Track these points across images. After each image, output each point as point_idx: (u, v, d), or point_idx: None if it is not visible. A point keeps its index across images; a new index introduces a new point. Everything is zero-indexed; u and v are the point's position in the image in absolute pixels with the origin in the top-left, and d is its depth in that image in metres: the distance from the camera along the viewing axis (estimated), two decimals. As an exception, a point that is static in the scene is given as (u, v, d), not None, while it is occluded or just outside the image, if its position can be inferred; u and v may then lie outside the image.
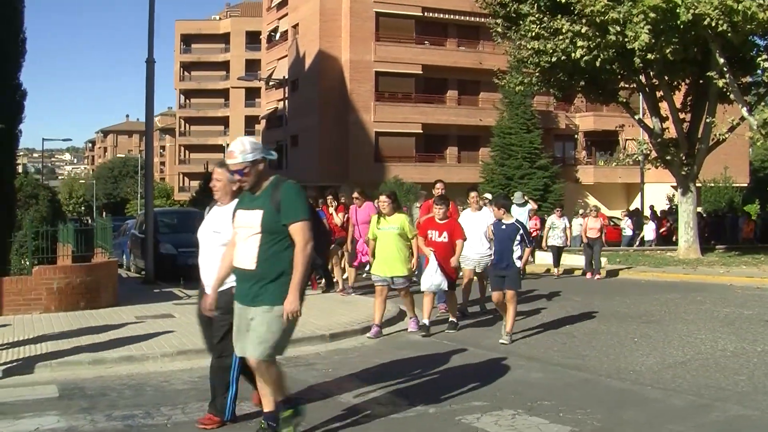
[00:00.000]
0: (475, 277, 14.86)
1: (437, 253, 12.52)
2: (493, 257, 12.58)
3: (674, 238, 34.91)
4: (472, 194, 15.04)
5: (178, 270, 20.57)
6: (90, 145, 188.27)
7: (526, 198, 23.34)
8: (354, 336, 12.39)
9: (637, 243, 35.92)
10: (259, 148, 6.57)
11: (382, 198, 13.04)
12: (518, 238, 11.83)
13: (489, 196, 21.95)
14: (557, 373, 9.64)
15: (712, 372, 9.49)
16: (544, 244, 23.99)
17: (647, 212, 40.37)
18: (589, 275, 22.95)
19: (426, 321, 12.59)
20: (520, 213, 21.14)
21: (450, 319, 13.18)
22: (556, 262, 23.68)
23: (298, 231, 6.44)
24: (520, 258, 11.84)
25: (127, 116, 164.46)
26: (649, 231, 36.79)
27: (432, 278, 12.46)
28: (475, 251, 14.19)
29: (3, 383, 9.30)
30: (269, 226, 6.47)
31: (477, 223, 14.31)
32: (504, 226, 11.93)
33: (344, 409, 8.02)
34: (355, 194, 17.33)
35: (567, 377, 9.43)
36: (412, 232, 12.76)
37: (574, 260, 25.23)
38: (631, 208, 47.31)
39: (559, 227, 23.53)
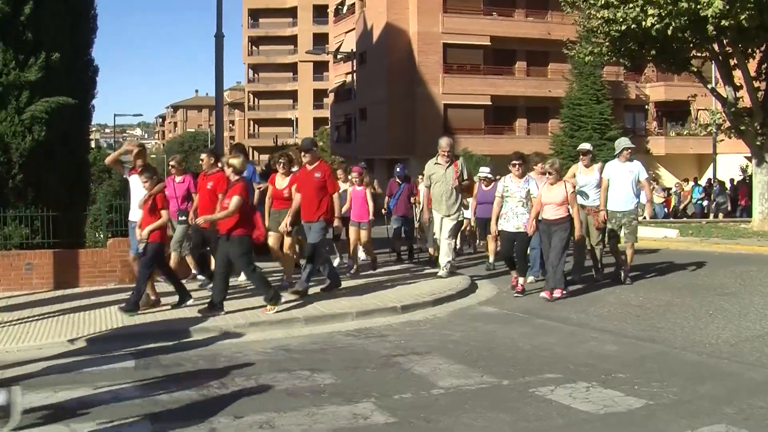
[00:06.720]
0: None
1: None
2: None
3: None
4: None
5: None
6: (160, 120, 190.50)
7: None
8: (425, 308, 12.35)
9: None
10: None
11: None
12: None
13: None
14: (631, 346, 9.53)
15: (791, 346, 9.31)
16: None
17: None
18: (545, 294, 12.85)
19: None
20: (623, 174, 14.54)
21: None
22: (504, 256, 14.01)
23: None
24: None
25: (197, 91, 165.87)
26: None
27: None
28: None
29: (81, 352, 9.49)
30: None
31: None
32: None
33: (417, 380, 8.04)
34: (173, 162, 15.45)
35: (641, 350, 9.32)
36: None
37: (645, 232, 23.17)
38: (705, 179, 46.36)
39: (514, 196, 13.43)
